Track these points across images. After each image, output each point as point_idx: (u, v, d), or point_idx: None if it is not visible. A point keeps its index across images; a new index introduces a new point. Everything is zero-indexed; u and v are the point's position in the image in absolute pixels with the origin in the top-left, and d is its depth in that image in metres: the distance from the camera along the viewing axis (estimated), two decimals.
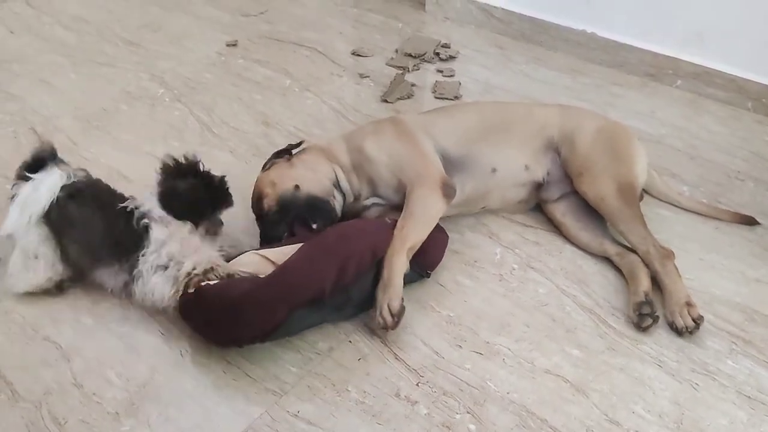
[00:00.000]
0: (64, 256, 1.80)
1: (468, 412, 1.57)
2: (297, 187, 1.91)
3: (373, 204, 2.01)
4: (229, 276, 1.70)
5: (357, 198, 2.01)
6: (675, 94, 2.77)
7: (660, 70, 2.81)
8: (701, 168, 2.33)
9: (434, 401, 1.59)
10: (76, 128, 2.54)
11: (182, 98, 2.73)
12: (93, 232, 1.77)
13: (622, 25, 2.87)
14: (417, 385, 1.62)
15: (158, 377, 1.65)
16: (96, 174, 2.24)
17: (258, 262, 1.73)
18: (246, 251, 1.81)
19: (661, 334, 1.75)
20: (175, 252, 1.72)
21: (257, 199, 1.94)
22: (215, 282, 1.66)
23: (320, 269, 1.64)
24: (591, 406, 1.58)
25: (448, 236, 1.94)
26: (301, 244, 1.72)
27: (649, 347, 1.72)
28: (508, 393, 1.61)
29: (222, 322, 1.62)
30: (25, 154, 2.32)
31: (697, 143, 2.47)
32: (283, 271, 1.65)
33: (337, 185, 1.98)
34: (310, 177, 1.94)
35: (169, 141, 2.47)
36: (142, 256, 1.72)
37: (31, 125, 2.55)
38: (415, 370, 1.66)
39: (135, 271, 1.73)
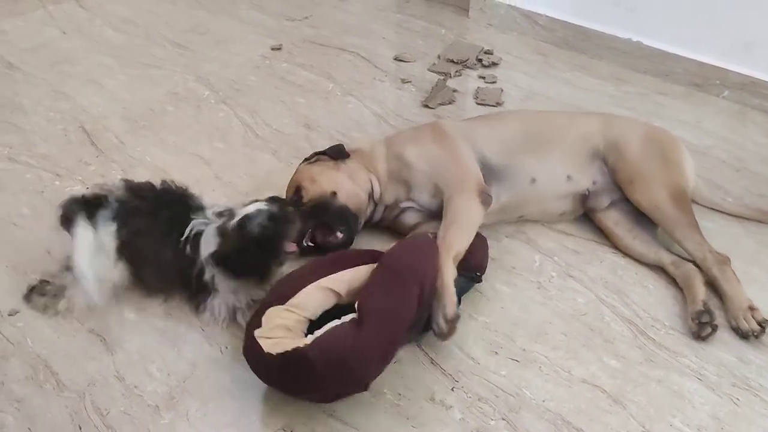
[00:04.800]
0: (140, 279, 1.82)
1: (503, 419, 1.57)
2: (334, 194, 1.93)
3: (408, 207, 2.01)
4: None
5: (393, 204, 2.01)
6: (721, 105, 2.73)
7: (706, 80, 2.77)
8: (746, 180, 2.29)
9: (469, 406, 1.60)
10: (124, 128, 2.60)
11: (227, 100, 2.78)
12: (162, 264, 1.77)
13: (667, 34, 2.84)
14: (452, 389, 1.63)
15: (198, 372, 1.68)
16: (142, 174, 2.33)
17: (323, 298, 1.63)
18: (306, 287, 1.64)
19: (701, 347, 1.73)
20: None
21: (296, 189, 1.95)
22: (310, 341, 1.48)
23: (406, 299, 1.55)
24: (628, 417, 1.57)
25: (484, 237, 1.93)
26: (361, 269, 1.66)
27: (689, 360, 1.70)
28: (543, 401, 1.61)
29: (328, 381, 1.48)
30: (75, 152, 2.44)
31: (743, 155, 2.43)
32: (376, 315, 1.51)
33: (371, 196, 1.99)
34: (348, 187, 1.94)
35: (213, 142, 2.51)
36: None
37: (81, 124, 2.62)
38: (450, 374, 1.67)
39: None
